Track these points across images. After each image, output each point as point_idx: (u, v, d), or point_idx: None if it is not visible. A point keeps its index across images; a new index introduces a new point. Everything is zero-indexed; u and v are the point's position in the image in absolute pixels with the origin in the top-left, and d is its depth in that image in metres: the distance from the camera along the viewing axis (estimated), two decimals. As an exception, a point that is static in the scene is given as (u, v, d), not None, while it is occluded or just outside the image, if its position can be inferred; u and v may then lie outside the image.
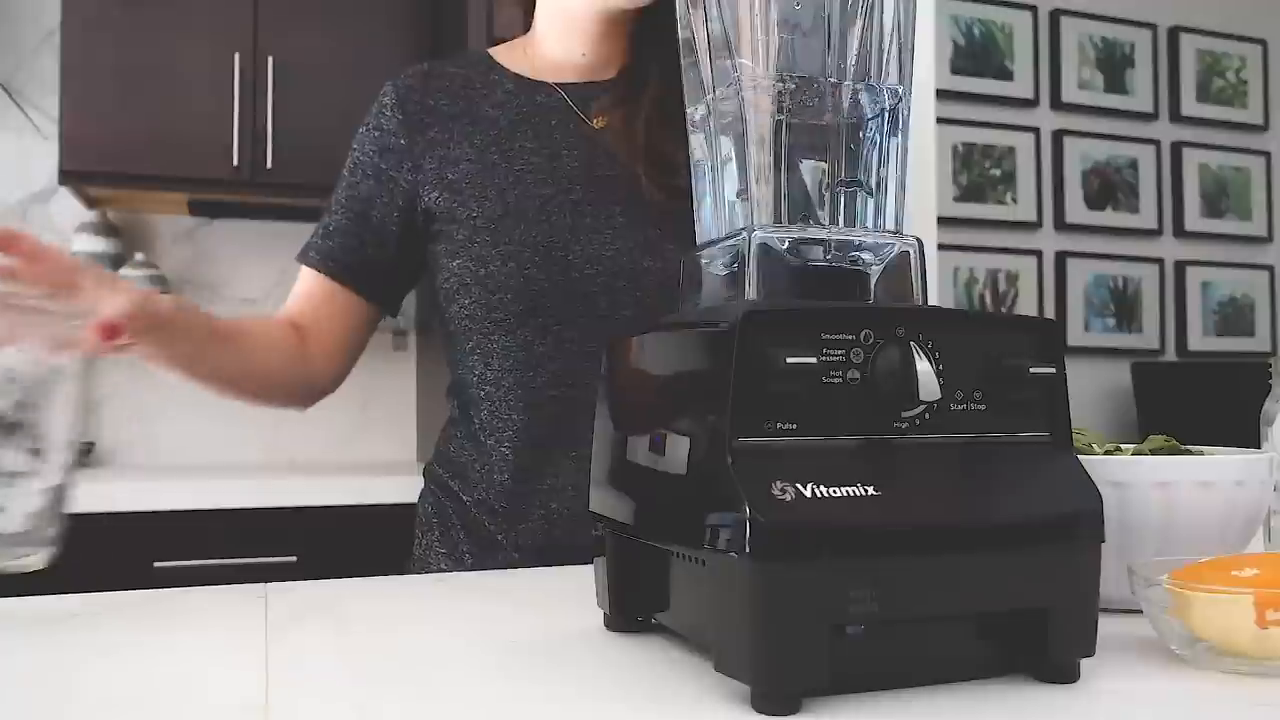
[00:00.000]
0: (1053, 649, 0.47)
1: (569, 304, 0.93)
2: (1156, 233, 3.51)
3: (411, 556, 1.05)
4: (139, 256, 2.39)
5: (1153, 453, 0.65)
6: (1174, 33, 3.54)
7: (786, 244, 0.52)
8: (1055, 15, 3.40)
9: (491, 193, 0.95)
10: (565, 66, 1.02)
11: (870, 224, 0.56)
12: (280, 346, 0.98)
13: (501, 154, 0.97)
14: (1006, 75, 3.33)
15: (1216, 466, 0.61)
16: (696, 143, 0.60)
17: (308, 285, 1.02)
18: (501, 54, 1.05)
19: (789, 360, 0.44)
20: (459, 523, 1.00)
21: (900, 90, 0.57)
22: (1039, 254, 3.35)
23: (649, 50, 1.00)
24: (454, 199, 0.96)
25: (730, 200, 0.57)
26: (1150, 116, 3.51)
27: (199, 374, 0.89)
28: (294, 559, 1.96)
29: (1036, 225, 3.35)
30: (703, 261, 0.57)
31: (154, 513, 1.95)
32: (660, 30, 0.98)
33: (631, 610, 0.58)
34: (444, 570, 0.99)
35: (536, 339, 0.94)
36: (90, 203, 2.42)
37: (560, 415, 0.94)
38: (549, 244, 0.93)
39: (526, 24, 1.07)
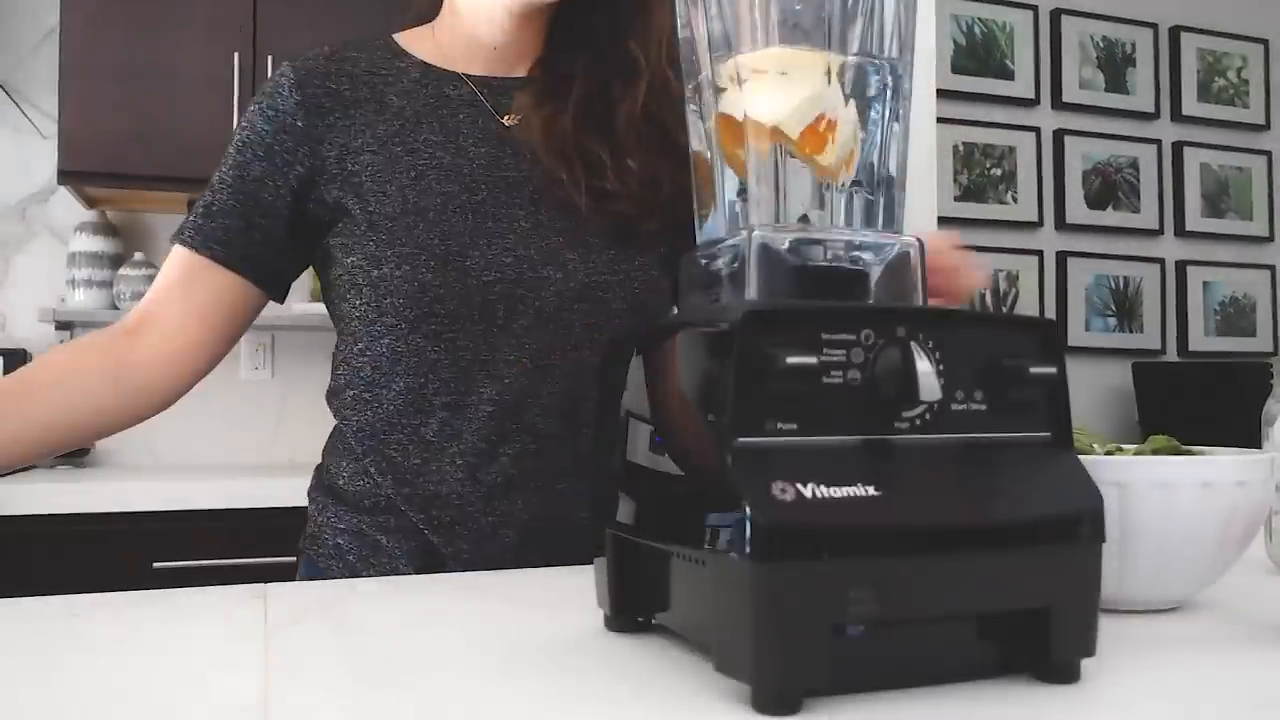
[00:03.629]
0: (1053, 649, 0.47)
1: (464, 310, 0.89)
2: (1157, 232, 3.51)
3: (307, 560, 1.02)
4: (138, 256, 2.39)
5: (1154, 453, 0.65)
6: (1175, 32, 3.54)
7: (786, 244, 0.52)
8: (1056, 14, 3.40)
9: (392, 188, 0.91)
10: (476, 56, 0.98)
11: (870, 224, 0.56)
12: (93, 382, 0.91)
13: (405, 147, 0.93)
14: (1007, 75, 3.33)
15: (1217, 467, 0.61)
16: (697, 142, 0.60)
17: (182, 267, 0.95)
18: (407, 39, 1.01)
19: (789, 360, 0.44)
20: (343, 531, 0.96)
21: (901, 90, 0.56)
22: (1039, 254, 3.35)
23: (570, 45, 0.98)
24: (352, 192, 0.92)
25: (730, 200, 0.57)
26: (1151, 116, 3.51)
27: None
28: (294, 559, 1.95)
29: (1037, 225, 3.35)
30: (703, 261, 0.57)
31: (154, 513, 1.95)
32: (582, 23, 0.97)
33: (632, 610, 0.58)
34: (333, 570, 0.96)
35: (429, 345, 0.90)
36: (89, 202, 2.42)
37: (448, 421, 0.91)
38: (446, 248, 0.89)
39: (436, 7, 1.02)
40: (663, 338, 0.53)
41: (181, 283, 0.95)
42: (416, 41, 1.01)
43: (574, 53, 0.97)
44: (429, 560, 0.92)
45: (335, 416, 0.98)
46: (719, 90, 0.56)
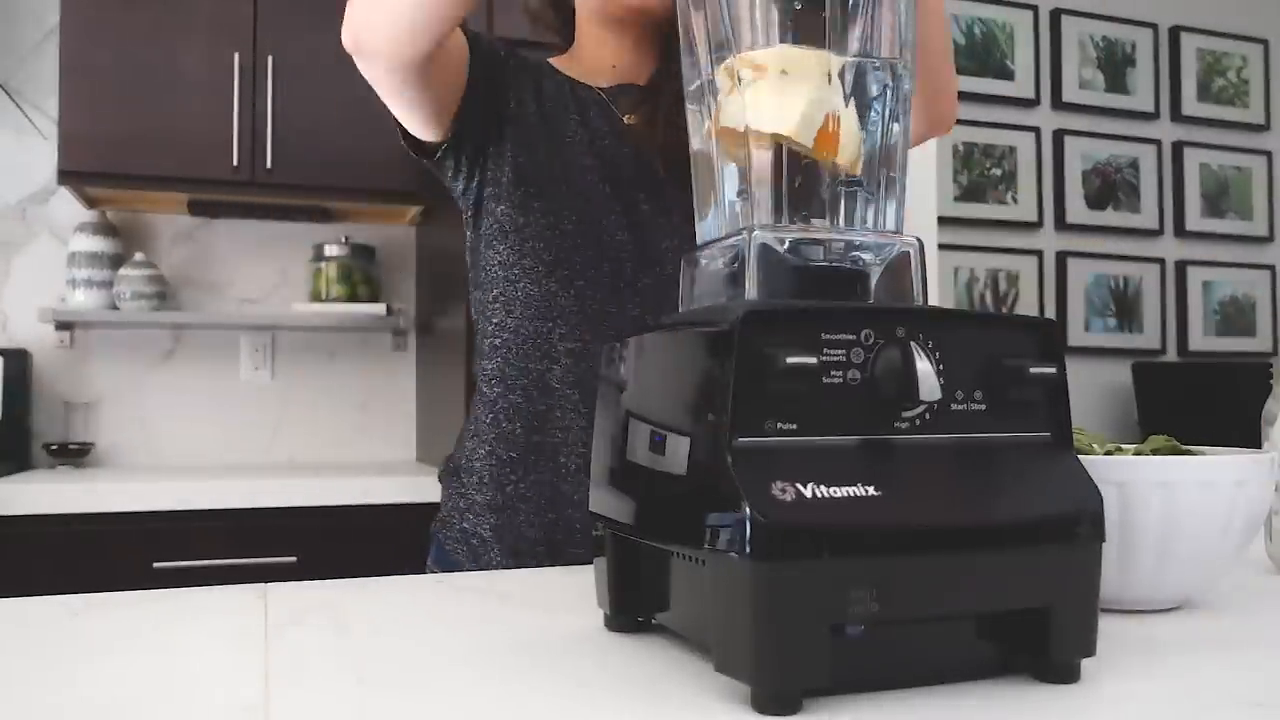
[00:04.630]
0: (1053, 649, 0.47)
1: (596, 262, 0.99)
2: (1157, 232, 3.51)
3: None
4: (138, 256, 2.39)
5: (1153, 453, 0.65)
6: (1175, 32, 3.54)
7: (786, 244, 0.52)
8: (1056, 15, 3.40)
9: (540, 153, 1.02)
10: (602, 72, 1.10)
11: (870, 224, 0.56)
12: None
13: (549, 126, 1.04)
14: (1007, 75, 3.33)
15: (1217, 467, 0.61)
16: (697, 142, 0.60)
17: (458, 38, 1.01)
18: (557, 61, 1.14)
19: (789, 360, 0.44)
20: (469, 510, 1.02)
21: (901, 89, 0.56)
22: (1039, 254, 3.35)
23: (671, 56, 1.05)
24: (512, 138, 1.02)
25: (730, 200, 0.57)
26: (1151, 116, 3.51)
27: None
28: (294, 559, 1.96)
29: (1037, 225, 3.35)
30: (703, 261, 0.57)
31: (154, 513, 1.95)
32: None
33: (631, 610, 0.58)
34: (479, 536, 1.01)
35: (560, 290, 0.99)
36: (89, 202, 2.42)
37: (570, 368, 0.98)
38: (585, 207, 1.00)
39: (569, 41, 1.16)
40: (663, 338, 0.53)
41: (456, 41, 1.00)
42: (560, 62, 1.14)
43: (672, 63, 1.05)
44: (557, 515, 0.97)
45: (478, 380, 1.05)
46: (720, 91, 0.56)
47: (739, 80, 0.54)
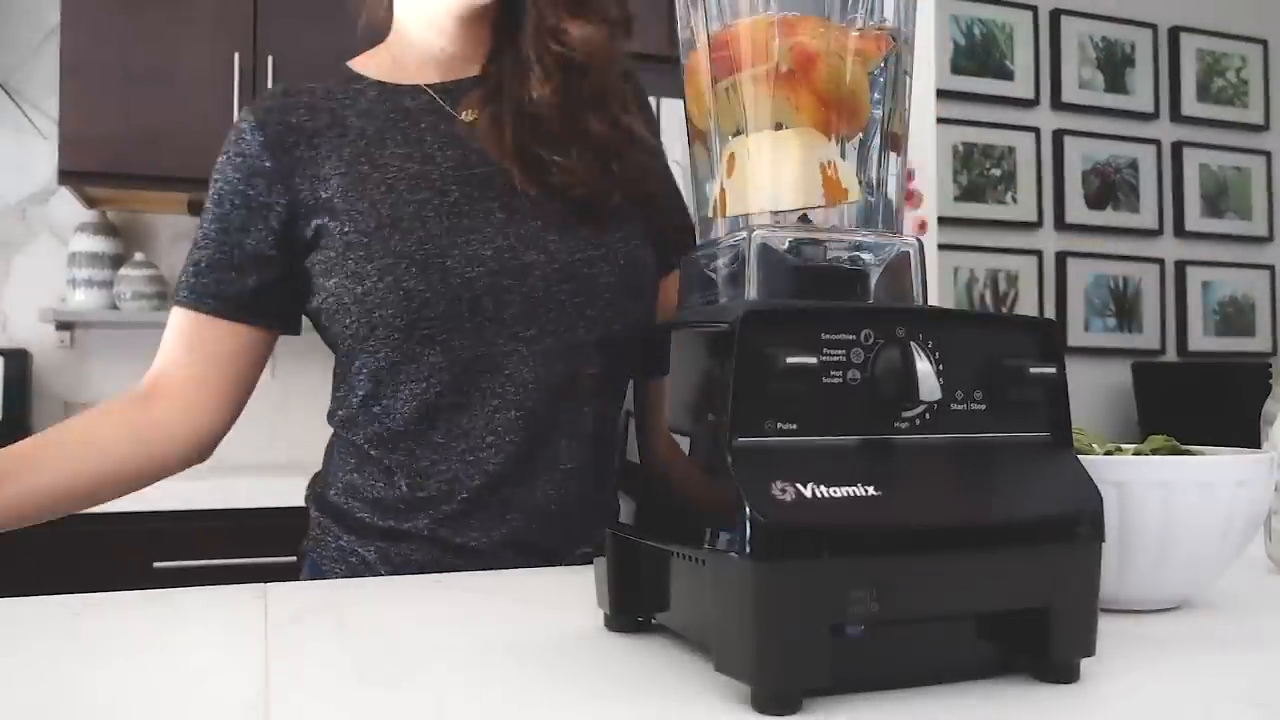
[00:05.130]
0: (1053, 649, 0.47)
1: (453, 311, 0.89)
2: (1157, 233, 3.51)
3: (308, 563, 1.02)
4: (138, 256, 2.39)
5: (1153, 453, 0.65)
6: (1174, 32, 3.54)
7: (786, 244, 0.52)
8: (1055, 15, 3.40)
9: (364, 205, 0.91)
10: (428, 64, 1.00)
11: (870, 224, 0.56)
12: (117, 437, 0.95)
13: (371, 164, 0.93)
14: (1007, 75, 3.33)
15: (1217, 467, 0.61)
16: (696, 144, 0.60)
17: (185, 327, 0.97)
18: (361, 63, 1.03)
19: (789, 360, 0.44)
20: (347, 534, 0.97)
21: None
22: (1039, 254, 3.35)
23: (503, 44, 0.98)
24: (328, 217, 0.92)
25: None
26: (1150, 116, 3.51)
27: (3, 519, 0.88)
28: (294, 559, 1.95)
29: (1037, 225, 3.35)
30: (703, 261, 0.57)
31: (154, 513, 1.95)
32: (513, 22, 0.97)
33: (632, 610, 0.58)
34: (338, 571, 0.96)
35: (425, 350, 0.90)
36: (90, 202, 2.42)
37: (455, 420, 0.91)
38: (425, 253, 0.89)
39: (386, 28, 1.04)
40: (662, 338, 0.53)
41: (187, 342, 0.97)
42: (371, 63, 1.03)
43: (510, 49, 0.97)
44: (441, 555, 0.92)
45: (341, 433, 0.98)
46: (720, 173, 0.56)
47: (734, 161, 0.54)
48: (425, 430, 0.92)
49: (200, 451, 1.00)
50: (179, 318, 0.98)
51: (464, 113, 0.97)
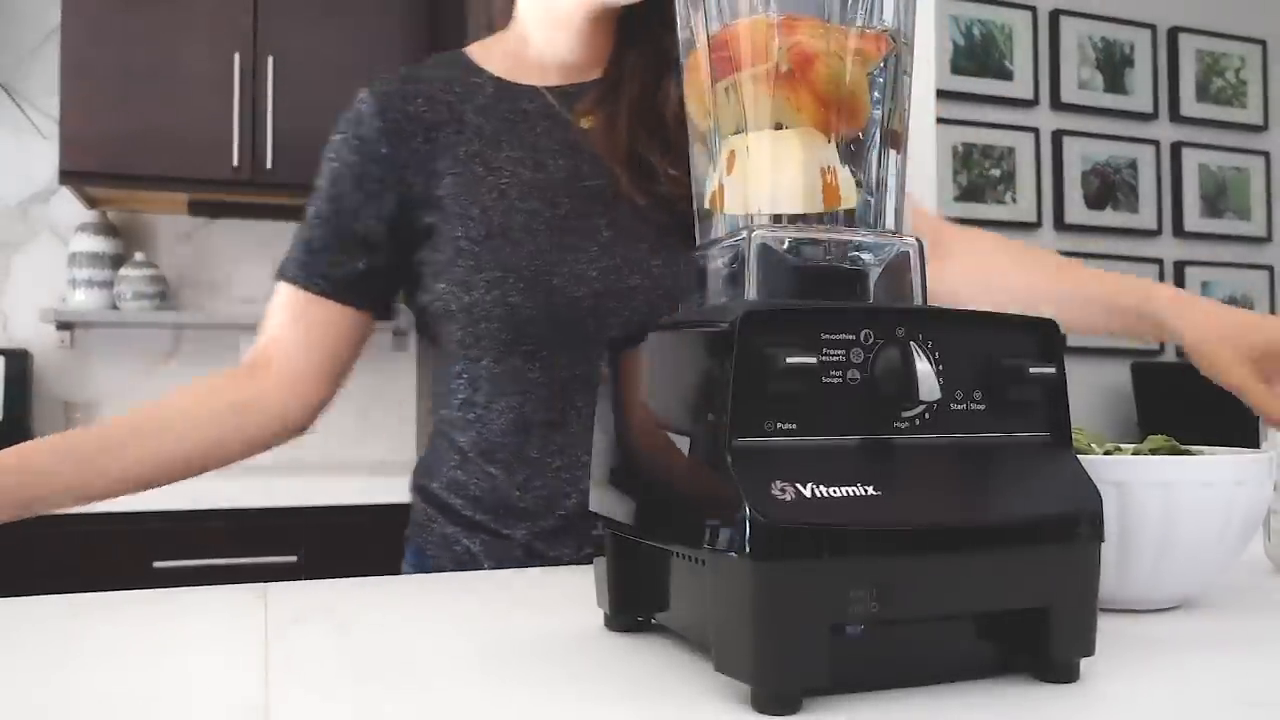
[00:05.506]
0: (1053, 649, 0.47)
1: (555, 330, 0.90)
2: (1156, 233, 3.51)
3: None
4: (139, 256, 2.39)
5: (1153, 453, 0.65)
6: (1173, 33, 3.54)
7: (786, 244, 0.52)
8: (1055, 15, 3.40)
9: (475, 211, 0.92)
10: (550, 67, 0.98)
11: (870, 224, 0.56)
12: (217, 416, 0.96)
13: (486, 166, 0.93)
14: (1006, 75, 3.33)
15: (1216, 467, 0.61)
16: (697, 144, 0.60)
17: (290, 303, 0.98)
18: (479, 53, 1.01)
19: (789, 360, 0.44)
20: (446, 536, 0.98)
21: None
22: (1039, 254, 3.34)
23: (629, 50, 0.97)
24: (439, 216, 0.93)
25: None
26: (1150, 116, 3.52)
27: (95, 496, 0.90)
28: (294, 559, 1.96)
29: (1036, 225, 3.35)
30: (703, 261, 0.57)
31: (154, 513, 1.95)
32: (644, 29, 0.96)
33: (631, 610, 0.58)
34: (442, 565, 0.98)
35: (525, 365, 0.91)
36: (90, 203, 2.42)
37: (549, 437, 0.92)
38: (534, 268, 0.89)
39: (508, 16, 1.02)
40: (662, 338, 0.53)
41: (293, 318, 0.98)
42: (490, 55, 1.01)
43: (634, 50, 0.96)
44: (535, 565, 0.92)
45: (444, 430, 0.99)
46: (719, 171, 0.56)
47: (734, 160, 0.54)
48: (521, 444, 0.93)
49: (301, 424, 1.02)
50: (286, 293, 0.98)
51: (580, 119, 0.96)
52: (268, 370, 0.97)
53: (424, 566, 0.99)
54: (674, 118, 0.92)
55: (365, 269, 0.96)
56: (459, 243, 0.91)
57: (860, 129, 0.55)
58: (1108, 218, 3.44)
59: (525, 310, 0.89)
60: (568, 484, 0.91)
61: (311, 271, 0.97)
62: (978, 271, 1.02)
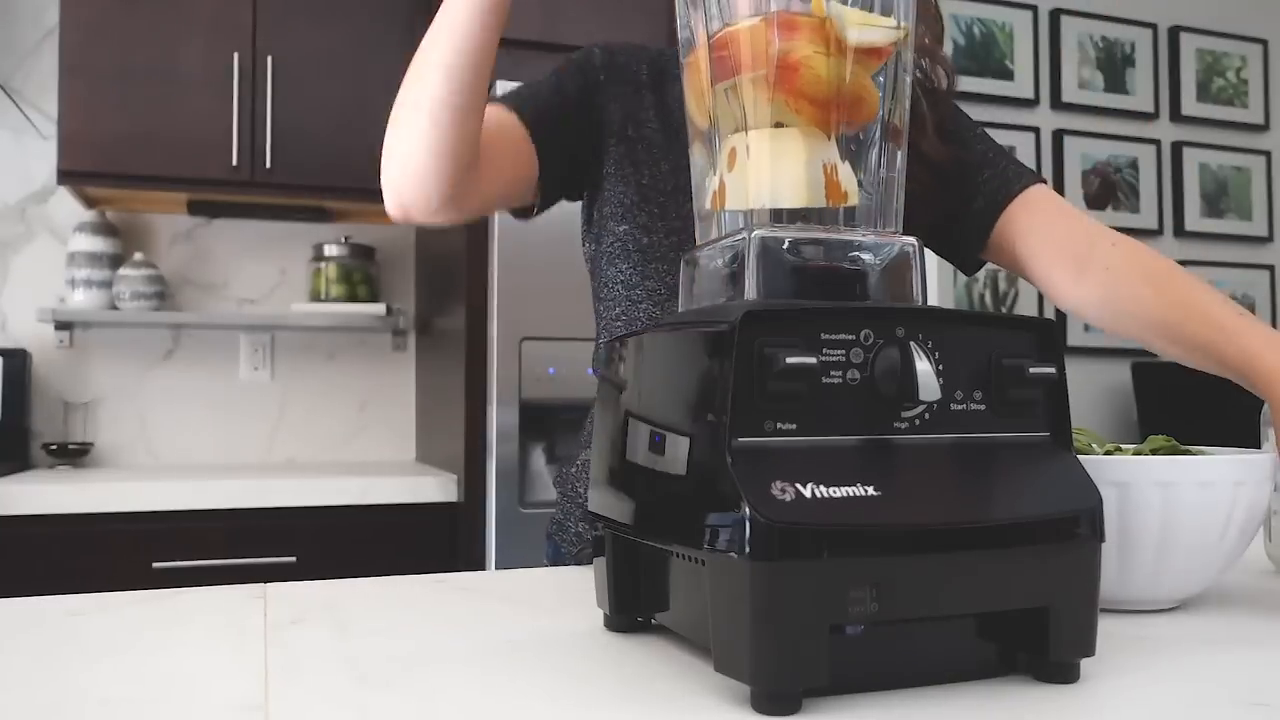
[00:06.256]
0: (1053, 649, 0.47)
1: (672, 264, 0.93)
2: (1157, 233, 3.51)
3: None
4: (138, 256, 2.39)
5: (1153, 453, 0.65)
6: (1174, 32, 3.54)
7: (786, 244, 0.52)
8: (1055, 15, 3.40)
9: (665, 166, 0.98)
10: None
11: (871, 222, 0.56)
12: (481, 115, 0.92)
13: (673, 139, 0.99)
14: (1006, 75, 3.33)
15: (1217, 467, 0.61)
16: (697, 143, 0.60)
17: (502, 121, 0.97)
18: None
19: (789, 360, 0.44)
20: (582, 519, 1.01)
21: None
22: (1039, 254, 3.34)
23: None
24: (630, 159, 0.99)
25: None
26: (1150, 116, 3.51)
27: (482, 31, 0.83)
28: (294, 559, 1.96)
29: (1036, 225, 3.35)
30: (703, 261, 0.57)
31: (154, 513, 1.95)
32: None
33: (631, 610, 0.58)
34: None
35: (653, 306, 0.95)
36: (89, 202, 2.42)
37: None
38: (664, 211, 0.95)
39: None
40: (661, 338, 0.53)
41: (500, 131, 0.96)
42: None
43: None
44: None
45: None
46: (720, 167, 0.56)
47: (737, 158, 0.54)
48: None
49: (469, 206, 0.95)
50: (500, 112, 0.97)
51: None
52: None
53: (560, 562, 1.02)
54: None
55: (560, 139, 0.98)
56: (645, 190, 0.98)
57: (866, 122, 0.55)
58: (1108, 218, 3.44)
59: (651, 250, 0.94)
60: None
61: (526, 105, 0.98)
62: (1114, 302, 1.00)
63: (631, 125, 1.00)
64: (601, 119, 1.01)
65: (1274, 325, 3.62)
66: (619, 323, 0.99)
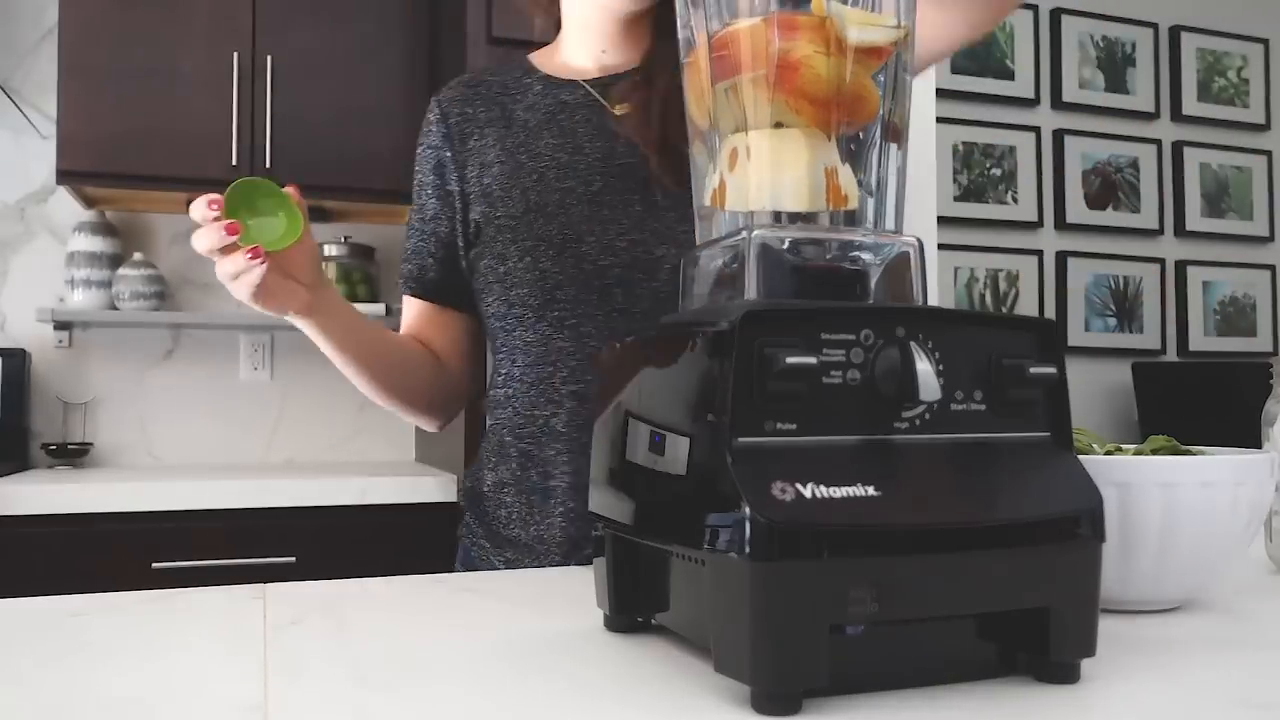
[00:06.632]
0: (1053, 649, 0.47)
1: (584, 296, 0.94)
2: (1157, 232, 3.51)
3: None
4: (137, 256, 2.39)
5: (1154, 453, 0.65)
6: (1175, 32, 3.54)
7: (786, 244, 0.52)
8: (1056, 14, 3.40)
9: (516, 192, 0.98)
10: (590, 61, 1.05)
11: (870, 224, 0.56)
12: (419, 350, 1.04)
13: (528, 154, 1.00)
14: (1007, 74, 3.33)
15: (1217, 467, 0.61)
16: (697, 143, 0.60)
17: (409, 310, 1.08)
18: (539, 57, 1.09)
19: (789, 360, 0.44)
20: (487, 534, 1.02)
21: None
22: (1039, 254, 3.35)
23: (664, 42, 1.01)
24: (486, 203, 1.00)
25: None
26: (1151, 116, 3.51)
27: (348, 349, 0.96)
28: (293, 559, 1.96)
29: (1037, 225, 3.35)
30: (702, 261, 0.57)
31: (154, 513, 1.95)
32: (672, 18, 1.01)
33: (631, 610, 0.58)
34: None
35: (554, 333, 0.95)
36: (88, 202, 2.42)
37: (576, 410, 0.95)
38: (564, 237, 0.95)
39: (558, 30, 1.10)
40: (662, 338, 0.53)
41: (413, 320, 1.08)
42: (544, 58, 1.08)
43: (669, 42, 1.00)
44: (565, 556, 0.95)
45: (488, 420, 1.04)
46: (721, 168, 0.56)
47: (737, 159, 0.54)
48: (549, 417, 0.96)
49: (449, 412, 1.09)
50: (405, 303, 1.09)
51: (615, 106, 1.01)
52: (434, 350, 1.07)
53: (471, 567, 1.03)
54: None
55: (455, 270, 1.04)
56: (499, 221, 0.98)
57: (867, 121, 0.55)
58: (1109, 217, 3.44)
59: (554, 275, 0.94)
60: (589, 461, 0.93)
61: (409, 279, 1.07)
62: None
63: (484, 174, 1.01)
64: (464, 197, 1.02)
65: (1275, 325, 3.62)
66: (500, 354, 1.00)
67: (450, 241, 1.03)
